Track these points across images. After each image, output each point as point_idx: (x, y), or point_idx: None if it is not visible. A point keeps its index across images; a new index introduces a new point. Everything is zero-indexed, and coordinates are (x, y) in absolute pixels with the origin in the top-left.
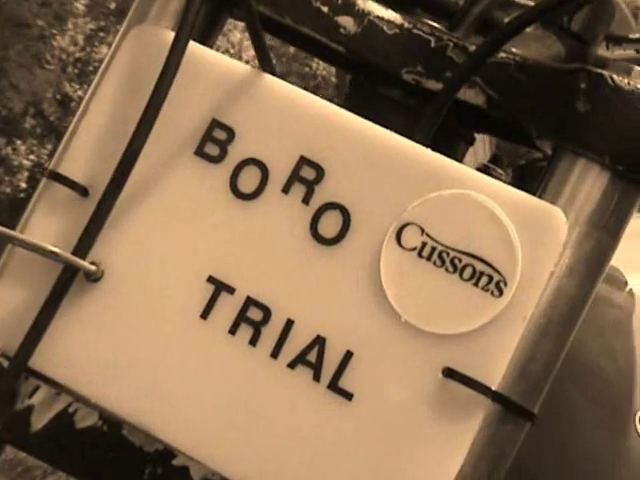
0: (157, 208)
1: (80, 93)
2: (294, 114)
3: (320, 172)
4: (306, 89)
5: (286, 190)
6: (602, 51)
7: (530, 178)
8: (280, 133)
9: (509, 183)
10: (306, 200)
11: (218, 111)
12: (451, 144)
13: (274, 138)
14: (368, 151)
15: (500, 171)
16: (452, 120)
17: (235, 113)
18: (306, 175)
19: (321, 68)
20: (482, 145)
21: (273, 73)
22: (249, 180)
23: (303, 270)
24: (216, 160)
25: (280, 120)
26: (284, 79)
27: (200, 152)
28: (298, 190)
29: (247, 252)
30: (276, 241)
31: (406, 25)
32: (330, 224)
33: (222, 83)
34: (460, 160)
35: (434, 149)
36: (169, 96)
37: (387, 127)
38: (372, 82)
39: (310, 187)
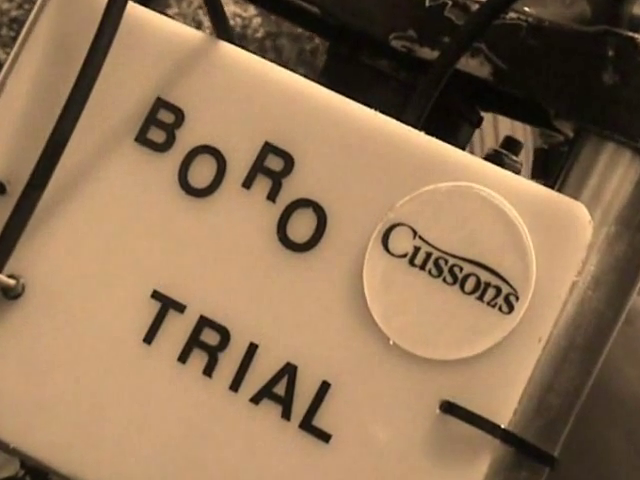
0: (90, 208)
1: None
2: (257, 91)
3: (289, 162)
4: (300, 54)
5: (247, 184)
6: (638, 9)
7: (553, 166)
8: (240, 115)
9: (527, 176)
10: (272, 196)
11: (164, 88)
12: (450, 126)
13: (232, 121)
14: (347, 136)
15: (515, 158)
16: (451, 96)
17: (184, 90)
18: (272, 166)
19: None
20: (491, 126)
21: (231, 41)
22: (202, 172)
23: (269, 282)
24: (162, 148)
25: (240, 99)
26: (271, 44)
27: (142, 139)
28: (262, 184)
29: (200, 261)
30: (235, 247)
31: None
32: (301, 226)
33: (168, 53)
34: (462, 146)
35: (429, 132)
36: (104, 70)
37: (372, 106)
38: (353, 50)
39: (277, 180)
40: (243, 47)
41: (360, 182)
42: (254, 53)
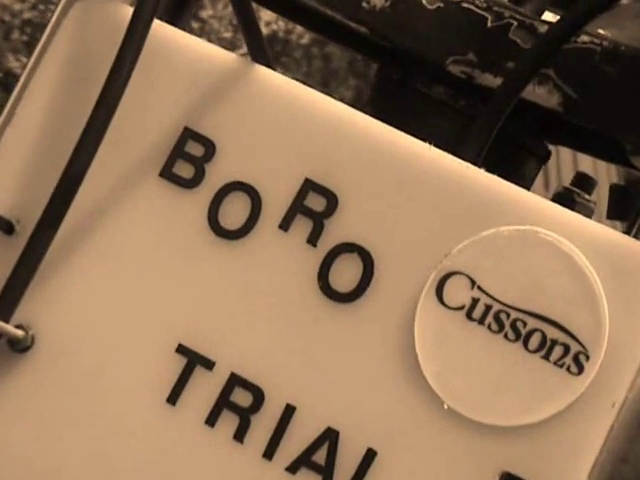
0: (108, 250)
1: None
2: (297, 122)
3: (332, 201)
4: (352, 64)
5: (285, 226)
6: None
7: (631, 206)
8: (277, 148)
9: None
10: (312, 240)
11: (193, 117)
12: (514, 162)
13: (269, 155)
14: (398, 172)
15: (588, 197)
16: (516, 129)
17: (216, 120)
18: (313, 205)
19: None
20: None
21: (268, 63)
22: (234, 212)
23: (308, 337)
24: (190, 184)
25: (277, 130)
26: (318, 51)
27: (168, 173)
28: (302, 226)
29: (230, 311)
30: (271, 296)
31: None
32: (345, 273)
33: (198, 78)
34: (527, 184)
35: (490, 169)
36: (125, 95)
37: (425, 139)
38: (405, 76)
39: (318, 222)
40: (282, 55)
41: (412, 225)
42: (298, 62)
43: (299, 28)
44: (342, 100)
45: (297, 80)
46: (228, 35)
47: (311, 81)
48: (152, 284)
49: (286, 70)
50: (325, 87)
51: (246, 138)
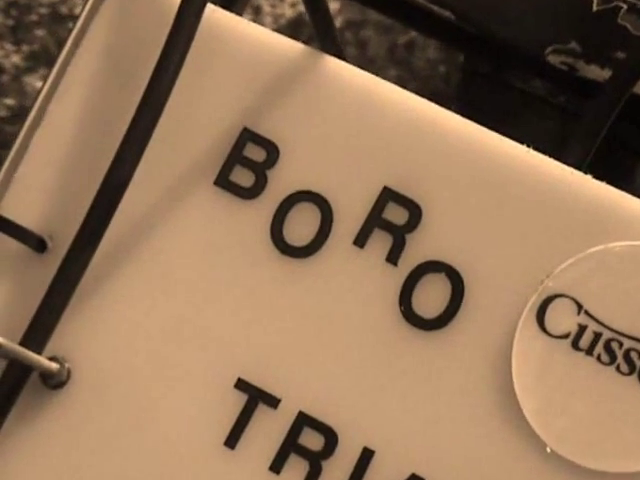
0: (154, 272)
1: (17, 60)
2: (373, 122)
3: (415, 213)
4: (392, 50)
5: (361, 242)
6: None
7: None
8: (351, 151)
9: None
10: (393, 258)
11: (253, 116)
12: (625, 167)
13: (341, 159)
14: (490, 179)
15: None
16: (627, 129)
17: (279, 120)
18: (393, 218)
19: None
20: None
21: (340, 56)
22: (302, 226)
23: (388, 369)
24: (249, 194)
25: (350, 131)
26: (352, 36)
27: (224, 181)
28: (380, 242)
29: (298, 341)
30: (345, 323)
31: None
32: (431, 296)
33: (259, 72)
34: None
35: (597, 176)
36: (175, 92)
37: (522, 140)
38: (499, 68)
39: (399, 237)
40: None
41: (507, 240)
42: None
43: (331, 8)
44: None
45: None
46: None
47: None
48: (206, 309)
49: None
50: None
51: (315, 140)
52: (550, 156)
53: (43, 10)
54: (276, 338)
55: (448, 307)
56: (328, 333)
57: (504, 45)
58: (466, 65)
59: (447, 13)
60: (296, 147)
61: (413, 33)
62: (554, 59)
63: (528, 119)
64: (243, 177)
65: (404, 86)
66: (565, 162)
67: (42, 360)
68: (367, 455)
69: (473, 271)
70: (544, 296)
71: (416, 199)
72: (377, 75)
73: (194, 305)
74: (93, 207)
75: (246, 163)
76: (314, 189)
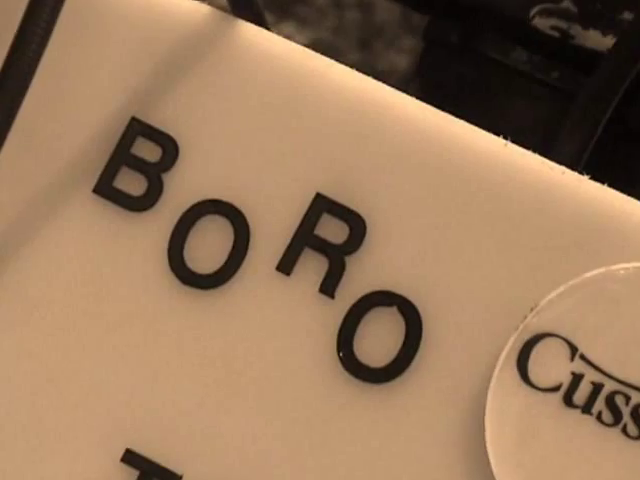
0: (15, 306)
1: None
2: (304, 108)
3: (357, 229)
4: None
5: (286, 267)
6: None
7: None
8: (273, 149)
9: None
10: (328, 288)
11: (143, 103)
12: (632, 165)
13: (260, 158)
14: (456, 183)
15: None
16: (635, 115)
17: (179, 108)
18: (328, 235)
19: None
20: None
21: (259, 21)
22: (209, 247)
23: (323, 435)
24: (140, 205)
25: (274, 121)
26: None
27: (106, 189)
28: (312, 267)
29: (203, 396)
30: (266, 374)
31: None
32: (379, 338)
33: (152, 44)
34: None
35: (596, 177)
36: (40, 74)
37: (500, 130)
38: (467, 36)
39: (337, 260)
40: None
41: (479, 262)
42: (322, 12)
43: None
44: (393, 71)
45: (318, 40)
46: None
47: (342, 40)
48: (82, 354)
49: (303, 25)
50: (364, 49)
51: (225, 134)
52: (536, 151)
53: None
54: (175, 393)
55: (401, 352)
56: (244, 388)
57: (477, 5)
58: (429, 32)
59: None
60: (200, 143)
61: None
62: (542, 23)
63: (508, 102)
64: (131, 183)
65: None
66: (555, 159)
67: None
68: None
69: (433, 304)
70: (527, 336)
71: (359, 209)
72: (384, 47)
73: (65, 349)
74: None
75: (135, 164)
76: (224, 198)
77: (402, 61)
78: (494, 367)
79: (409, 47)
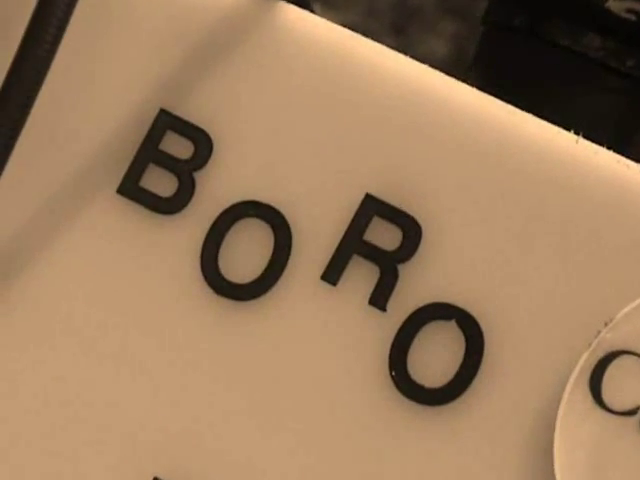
0: (33, 317)
1: None
2: (352, 99)
3: (411, 233)
4: None
5: (332, 276)
6: None
7: None
8: (317, 145)
9: None
10: (379, 300)
11: (174, 94)
12: None
13: (303, 156)
14: (521, 182)
15: None
16: None
17: (212, 99)
18: (379, 241)
19: None
20: None
21: (306, 4)
22: (246, 254)
23: (375, 461)
24: (169, 207)
25: (318, 114)
26: None
27: (132, 189)
28: (361, 276)
29: (240, 420)
30: (311, 396)
31: None
32: (436, 354)
33: (184, 32)
34: None
35: None
36: (58, 66)
37: (570, 124)
38: (536, 21)
39: (389, 269)
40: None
41: (546, 273)
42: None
43: None
44: (431, 58)
45: (347, 24)
46: None
47: (377, 25)
48: (105, 377)
49: (334, 9)
50: (399, 34)
51: (263, 128)
52: (611, 148)
53: None
54: (210, 419)
55: (460, 371)
56: (284, 414)
57: None
58: (489, 15)
59: None
60: (237, 138)
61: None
62: (617, 6)
63: (578, 92)
64: (159, 182)
65: (463, 48)
66: (634, 157)
67: None
68: None
69: (496, 317)
70: (601, 353)
71: (413, 212)
72: (423, 33)
73: (87, 370)
74: None
75: (164, 161)
76: (263, 199)
77: (441, 47)
78: (564, 388)
79: (449, 32)
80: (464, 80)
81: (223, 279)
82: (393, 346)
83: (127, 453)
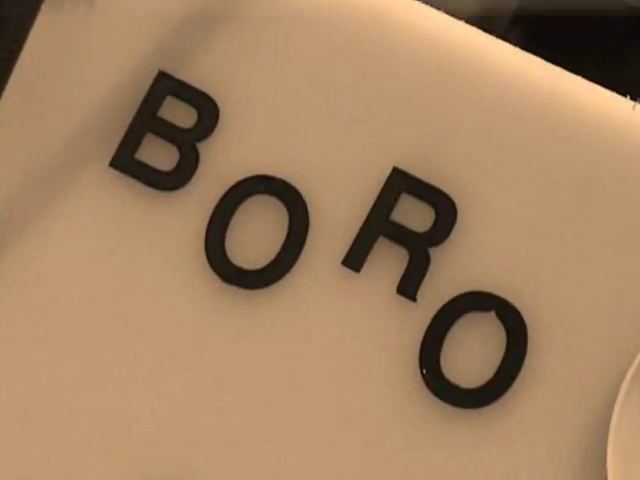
0: (22, 306)
1: None
2: (376, 61)
3: (445, 212)
4: None
5: (355, 261)
6: None
7: None
8: (337, 112)
9: None
10: (408, 288)
11: (174, 56)
12: None
13: (321, 125)
14: (570, 153)
15: None
16: None
17: (217, 61)
18: (409, 221)
19: None
20: None
21: None
22: (257, 235)
23: (412, 457)
24: (170, 182)
25: (337, 76)
26: None
27: (127, 162)
28: (387, 261)
29: (251, 422)
30: (334, 395)
31: None
32: (473, 351)
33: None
34: None
35: None
36: (37, 28)
37: (627, 89)
38: None
39: (420, 253)
40: None
41: (597, 258)
42: None
43: None
44: (458, 15)
45: None
46: None
47: None
48: (108, 365)
49: None
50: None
51: (276, 93)
52: None
53: None
54: (219, 419)
55: (500, 369)
56: (301, 415)
57: None
58: None
59: None
60: (246, 104)
61: None
62: None
63: (632, 53)
64: (158, 154)
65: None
66: None
67: None
68: None
69: (540, 308)
70: None
71: (446, 188)
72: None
73: (80, 363)
74: None
75: (163, 131)
76: (276, 174)
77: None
78: (617, 388)
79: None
80: (504, 38)
81: (230, 264)
82: (424, 341)
83: (120, 453)
